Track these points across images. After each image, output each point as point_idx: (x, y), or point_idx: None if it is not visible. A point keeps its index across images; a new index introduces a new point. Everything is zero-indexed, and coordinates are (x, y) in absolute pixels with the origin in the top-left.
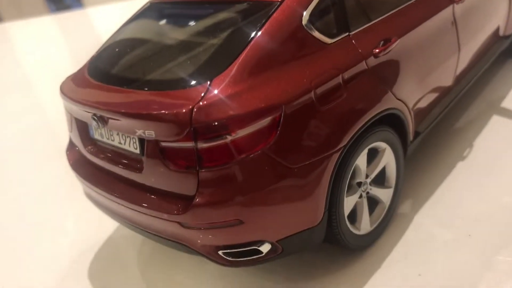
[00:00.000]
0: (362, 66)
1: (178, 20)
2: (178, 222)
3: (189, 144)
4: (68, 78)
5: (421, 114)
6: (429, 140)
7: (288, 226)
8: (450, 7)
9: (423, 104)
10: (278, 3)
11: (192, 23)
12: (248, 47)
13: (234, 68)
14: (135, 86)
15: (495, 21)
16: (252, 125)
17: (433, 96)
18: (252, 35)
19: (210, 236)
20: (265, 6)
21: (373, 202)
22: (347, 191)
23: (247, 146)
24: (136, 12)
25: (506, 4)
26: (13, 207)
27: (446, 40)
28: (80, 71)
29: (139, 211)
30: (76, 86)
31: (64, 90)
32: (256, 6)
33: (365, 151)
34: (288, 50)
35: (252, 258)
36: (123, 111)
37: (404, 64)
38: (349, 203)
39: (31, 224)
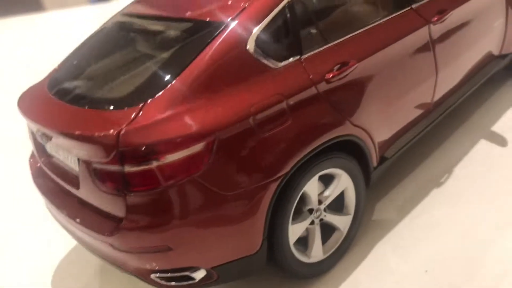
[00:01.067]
0: (312, 91)
1: (135, 35)
2: (110, 243)
3: (116, 168)
4: (31, 87)
5: (388, 140)
6: (404, 163)
7: (222, 253)
8: (425, 28)
9: (390, 129)
10: (224, 24)
11: (146, 39)
12: (186, 70)
13: (169, 91)
14: (79, 103)
15: (488, 40)
16: (182, 151)
17: (405, 121)
18: (193, 57)
19: (140, 260)
20: (210, 27)
21: (330, 229)
22: (295, 218)
23: (176, 172)
24: (103, 23)
25: (501, 23)
26: None
27: (420, 63)
28: (43, 81)
29: (78, 228)
30: (31, 97)
31: (20, 101)
32: (202, 26)
33: (315, 178)
34: (229, 74)
35: (185, 284)
36: (59, 129)
37: (365, 89)
38: (296, 230)
39: None
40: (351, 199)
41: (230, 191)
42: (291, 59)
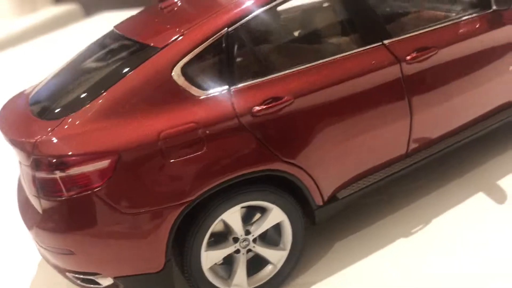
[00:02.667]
0: (234, 123)
1: (103, 50)
2: (34, 239)
3: (32, 172)
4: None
5: (340, 180)
6: (382, 205)
7: (123, 266)
8: (395, 67)
9: (342, 170)
10: (158, 50)
11: (105, 56)
12: (110, 89)
13: (88, 107)
14: (40, 114)
15: (501, 85)
16: (86, 166)
17: (365, 162)
18: (119, 77)
19: (55, 258)
20: (147, 51)
21: (263, 261)
22: (214, 244)
23: (79, 184)
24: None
25: None
26: None
27: (384, 104)
28: (27, 92)
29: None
30: (11, 107)
31: (2, 108)
32: (143, 49)
33: (237, 208)
34: (149, 97)
35: (93, 287)
36: (5, 134)
37: (305, 126)
38: (212, 256)
39: None
40: (287, 235)
41: (130, 209)
42: (218, 90)
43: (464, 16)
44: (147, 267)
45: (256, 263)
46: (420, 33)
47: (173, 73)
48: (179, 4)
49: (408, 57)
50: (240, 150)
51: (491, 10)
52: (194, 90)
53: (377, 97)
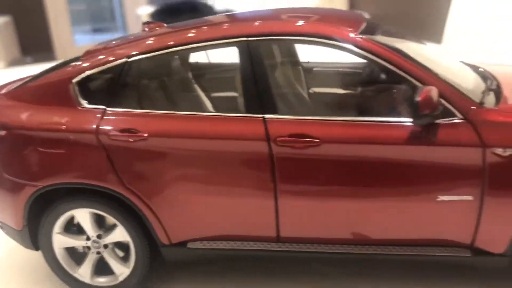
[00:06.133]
0: (92, 138)
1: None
2: None
3: None
4: None
5: (190, 230)
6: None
7: (4, 215)
8: (263, 143)
9: (194, 221)
10: (80, 61)
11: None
12: (35, 80)
13: (18, 89)
14: None
15: (421, 213)
16: None
17: (223, 226)
18: (45, 73)
19: None
20: (75, 61)
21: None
22: (69, 232)
23: None
24: None
25: (462, 205)
26: None
27: (246, 176)
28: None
29: None
30: None
31: None
32: (75, 60)
33: (86, 210)
34: (51, 95)
35: None
36: None
37: (155, 164)
38: (62, 240)
39: None
40: (132, 256)
41: (7, 174)
42: (97, 106)
43: (376, 118)
44: (12, 223)
45: (106, 267)
46: (308, 120)
47: (72, 83)
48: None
49: (279, 139)
50: (89, 162)
51: (411, 122)
52: (80, 101)
53: (240, 166)
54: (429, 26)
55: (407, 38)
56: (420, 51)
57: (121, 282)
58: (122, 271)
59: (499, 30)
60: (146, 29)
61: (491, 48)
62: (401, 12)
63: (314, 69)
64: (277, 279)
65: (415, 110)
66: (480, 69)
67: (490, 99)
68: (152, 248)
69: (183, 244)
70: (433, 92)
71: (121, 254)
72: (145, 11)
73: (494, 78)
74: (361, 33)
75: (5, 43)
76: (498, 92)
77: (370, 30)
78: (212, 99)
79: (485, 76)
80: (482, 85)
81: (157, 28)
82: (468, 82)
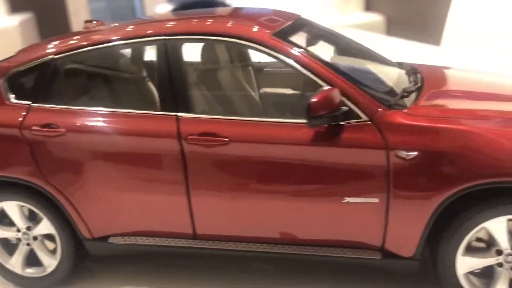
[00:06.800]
0: (14, 132)
1: None
2: None
3: None
4: None
5: (111, 225)
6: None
7: None
8: (175, 141)
9: (115, 217)
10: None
11: None
12: None
13: None
14: None
15: (327, 214)
16: None
17: (142, 222)
18: None
19: None
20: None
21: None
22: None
23: None
24: None
25: (372, 207)
26: None
27: (159, 173)
28: None
29: None
30: None
31: None
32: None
33: (13, 202)
34: None
35: None
36: None
37: (73, 159)
38: None
39: None
40: (58, 248)
41: None
42: (23, 102)
43: (283, 119)
44: None
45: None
46: (218, 119)
47: (1, 79)
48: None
49: (190, 137)
50: (14, 156)
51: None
52: (9, 97)
53: (154, 163)
54: (428, 25)
55: (334, 39)
56: (344, 52)
57: (49, 273)
58: (50, 263)
59: (500, 29)
60: (89, 26)
61: (491, 47)
62: (415, 11)
63: (255, 70)
64: (218, 278)
65: (307, 111)
66: (411, 70)
67: (404, 102)
68: (77, 242)
69: (104, 238)
70: (333, 93)
71: (52, 246)
72: (164, 8)
73: (421, 80)
74: (278, 33)
75: (27, 39)
76: (416, 95)
77: (290, 30)
78: (130, 97)
79: (411, 77)
80: (401, 87)
81: (97, 27)
82: (386, 83)
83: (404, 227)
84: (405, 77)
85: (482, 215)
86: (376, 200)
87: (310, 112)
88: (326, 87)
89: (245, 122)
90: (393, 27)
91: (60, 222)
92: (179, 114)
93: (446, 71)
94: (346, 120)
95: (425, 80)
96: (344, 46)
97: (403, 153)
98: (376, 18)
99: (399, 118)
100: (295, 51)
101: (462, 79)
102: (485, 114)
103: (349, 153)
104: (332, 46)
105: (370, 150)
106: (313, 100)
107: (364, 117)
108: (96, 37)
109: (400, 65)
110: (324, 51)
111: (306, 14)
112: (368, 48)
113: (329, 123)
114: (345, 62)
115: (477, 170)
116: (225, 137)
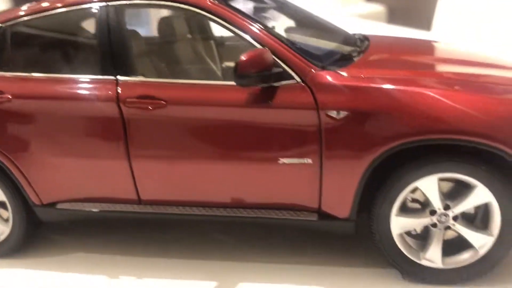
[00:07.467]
0: None
1: None
2: None
3: None
4: None
5: (58, 190)
6: None
7: None
8: (113, 104)
9: (61, 182)
10: None
11: None
12: None
13: None
14: None
15: (264, 174)
16: None
17: (88, 187)
18: None
19: None
20: None
21: None
22: None
23: None
24: None
25: (307, 167)
26: None
27: (98, 137)
28: None
29: None
30: None
31: None
32: None
33: None
34: None
35: None
36: None
37: (20, 125)
38: None
39: None
40: (10, 216)
41: None
42: None
43: (218, 81)
44: None
45: None
46: (156, 82)
47: None
48: None
49: (128, 100)
50: None
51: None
52: None
53: (96, 128)
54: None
55: (282, 6)
56: (289, 18)
57: (2, 241)
58: (2, 230)
59: (495, 9)
60: None
61: (485, 27)
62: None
63: (198, 34)
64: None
65: (235, 70)
66: (360, 38)
67: (340, 65)
68: (27, 208)
69: (53, 204)
70: (263, 53)
71: (6, 215)
72: None
73: (366, 47)
74: None
75: None
76: (355, 59)
77: None
78: (74, 62)
79: (357, 44)
80: (340, 51)
81: None
82: (323, 48)
83: (338, 188)
84: (350, 44)
85: (413, 174)
86: (310, 161)
87: (237, 70)
88: (258, 48)
89: (182, 85)
90: (394, 16)
91: (11, 189)
92: (119, 77)
93: (410, 42)
94: (280, 81)
95: (370, 48)
96: (290, 13)
97: (333, 113)
98: (378, 8)
99: (330, 78)
100: (229, 13)
101: (421, 49)
102: (420, 76)
103: (283, 113)
104: (277, 12)
105: (302, 110)
106: (242, 58)
107: (297, 78)
108: (41, 6)
109: (352, 35)
110: (268, 17)
111: (309, 5)
112: (319, 18)
113: (258, 84)
114: (284, 26)
115: (404, 129)
116: (163, 100)
